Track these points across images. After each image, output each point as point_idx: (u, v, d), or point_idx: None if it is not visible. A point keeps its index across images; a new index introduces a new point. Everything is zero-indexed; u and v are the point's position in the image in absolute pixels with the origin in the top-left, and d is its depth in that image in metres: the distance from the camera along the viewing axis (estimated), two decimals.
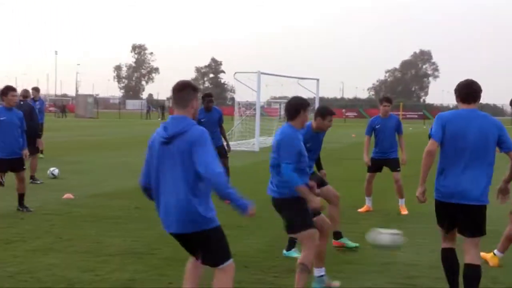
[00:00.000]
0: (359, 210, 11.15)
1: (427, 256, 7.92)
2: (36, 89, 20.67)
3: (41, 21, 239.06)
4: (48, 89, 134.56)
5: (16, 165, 10.60)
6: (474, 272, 5.68)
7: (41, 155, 19.83)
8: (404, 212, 10.95)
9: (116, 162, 19.24)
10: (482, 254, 7.32)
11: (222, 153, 12.05)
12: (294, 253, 7.67)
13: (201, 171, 4.63)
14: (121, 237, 8.73)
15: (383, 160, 11.14)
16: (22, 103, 14.51)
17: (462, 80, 5.96)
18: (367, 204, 11.23)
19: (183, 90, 4.87)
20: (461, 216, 5.72)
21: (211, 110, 12.11)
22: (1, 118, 10.46)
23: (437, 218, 5.98)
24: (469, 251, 5.73)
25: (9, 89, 10.71)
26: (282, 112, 42.94)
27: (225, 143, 12.36)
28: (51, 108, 79.49)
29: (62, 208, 10.92)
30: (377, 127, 11.11)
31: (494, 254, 7.49)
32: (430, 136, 5.82)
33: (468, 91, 5.83)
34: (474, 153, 5.69)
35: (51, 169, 14.97)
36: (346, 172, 16.91)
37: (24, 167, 10.77)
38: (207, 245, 4.80)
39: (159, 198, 4.84)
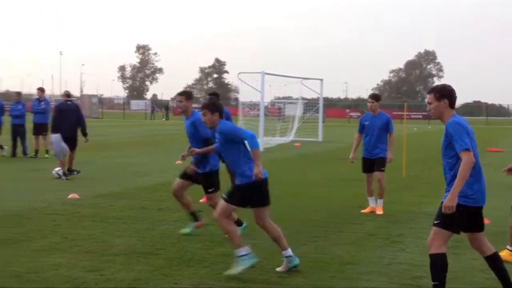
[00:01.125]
0: (363, 211, 11.03)
1: None
2: (41, 90, 20.80)
3: (45, 21, 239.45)
4: (53, 90, 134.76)
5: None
6: (498, 257, 6.06)
7: (46, 155, 19.94)
8: (380, 212, 10.82)
9: (121, 163, 19.25)
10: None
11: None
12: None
13: None
14: (126, 237, 8.76)
15: (372, 160, 10.96)
16: (69, 103, 15.62)
17: (445, 85, 5.96)
18: (371, 205, 11.13)
19: None
20: (477, 217, 5.94)
21: None
22: None
23: (454, 224, 5.83)
24: (486, 243, 6.06)
25: None
26: (283, 112, 42.97)
27: None
28: None
29: (68, 208, 10.96)
30: (365, 123, 10.97)
31: (510, 250, 7.57)
32: (463, 148, 5.61)
33: (455, 97, 5.93)
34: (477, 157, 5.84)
35: (56, 169, 15.00)
36: (350, 171, 16.88)
37: None
38: None
39: None
